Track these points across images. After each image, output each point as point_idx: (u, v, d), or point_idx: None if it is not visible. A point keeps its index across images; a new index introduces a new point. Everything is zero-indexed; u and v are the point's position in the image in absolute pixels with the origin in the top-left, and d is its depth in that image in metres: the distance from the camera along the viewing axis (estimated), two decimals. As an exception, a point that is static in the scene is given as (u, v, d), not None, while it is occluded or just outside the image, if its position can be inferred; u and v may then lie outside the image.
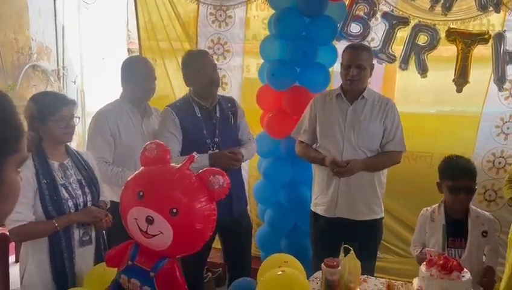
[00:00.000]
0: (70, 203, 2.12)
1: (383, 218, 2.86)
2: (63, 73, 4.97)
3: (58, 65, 4.93)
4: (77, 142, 5.04)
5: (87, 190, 2.22)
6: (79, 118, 2.25)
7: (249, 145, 2.90)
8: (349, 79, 2.70)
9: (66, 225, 2.10)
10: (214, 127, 2.76)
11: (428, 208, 2.47)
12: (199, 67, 2.73)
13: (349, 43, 3.47)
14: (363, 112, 2.73)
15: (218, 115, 2.80)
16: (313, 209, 2.92)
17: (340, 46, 3.45)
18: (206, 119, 2.77)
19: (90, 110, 4.99)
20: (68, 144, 2.29)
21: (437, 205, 2.42)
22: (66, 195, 2.12)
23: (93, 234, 2.24)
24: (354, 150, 2.71)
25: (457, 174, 2.33)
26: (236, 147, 2.81)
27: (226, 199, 2.71)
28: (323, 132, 2.82)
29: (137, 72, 2.78)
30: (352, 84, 2.70)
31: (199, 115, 2.76)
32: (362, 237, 2.61)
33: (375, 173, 2.76)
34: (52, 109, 2.11)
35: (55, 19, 4.84)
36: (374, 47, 3.43)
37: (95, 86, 5.35)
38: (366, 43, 3.41)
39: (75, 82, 5.15)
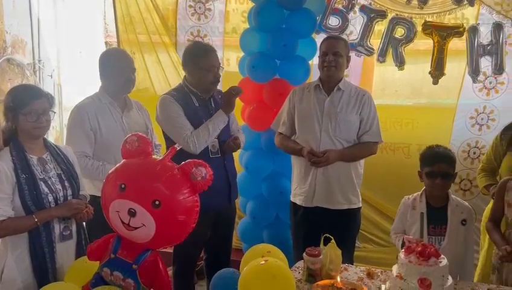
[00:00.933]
0: (50, 197, 2.10)
1: (360, 208, 2.93)
2: (39, 67, 4.87)
3: (34, 59, 4.83)
4: (55, 136, 4.96)
5: (67, 184, 2.19)
6: (55, 112, 2.21)
7: (241, 135, 2.99)
8: (326, 66, 2.77)
9: (46, 220, 2.07)
10: (211, 116, 2.78)
11: (410, 196, 2.52)
12: (208, 65, 2.74)
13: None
14: (340, 103, 2.80)
15: (213, 105, 2.85)
16: (292, 200, 2.98)
17: (320, 39, 3.46)
18: (204, 110, 2.81)
19: (67, 105, 4.91)
20: (46, 137, 2.26)
21: (419, 193, 2.48)
22: (46, 189, 2.09)
23: (74, 228, 2.21)
24: (331, 141, 2.77)
25: (434, 159, 2.40)
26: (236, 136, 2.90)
27: (225, 188, 2.84)
28: (301, 123, 2.87)
29: (116, 64, 2.75)
30: (329, 70, 2.77)
31: (197, 105, 2.79)
32: (340, 226, 2.68)
33: (352, 164, 2.83)
34: (22, 102, 2.07)
35: (30, 12, 4.73)
36: (352, 40, 3.48)
37: (72, 80, 5.26)
38: (344, 36, 3.46)
39: (51, 76, 5.05)
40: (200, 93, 2.81)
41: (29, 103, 2.07)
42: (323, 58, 2.79)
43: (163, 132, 2.85)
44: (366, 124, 2.81)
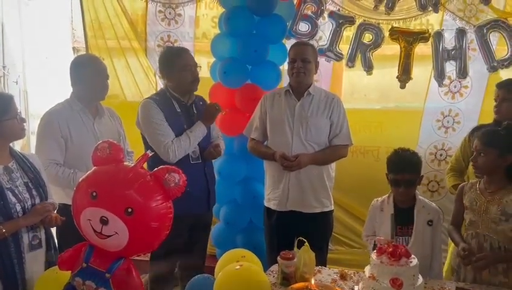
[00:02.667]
0: (18, 207, 2.05)
1: (333, 210, 2.97)
2: (4, 73, 4.74)
3: (-2, 64, 4.71)
4: (21, 144, 4.82)
5: (34, 192, 2.15)
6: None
7: (221, 141, 3.01)
8: (295, 72, 2.81)
9: (14, 230, 2.02)
10: (193, 123, 2.81)
11: (379, 198, 2.57)
12: (183, 64, 2.76)
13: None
14: (310, 107, 2.84)
15: (195, 111, 2.86)
16: (266, 205, 3.00)
17: (290, 44, 3.52)
18: (186, 115, 2.82)
19: (33, 112, 4.80)
20: (11, 145, 2.21)
21: (387, 195, 2.53)
22: (14, 199, 2.04)
23: (43, 237, 2.17)
24: (302, 145, 2.81)
25: (397, 168, 2.44)
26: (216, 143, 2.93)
27: (205, 194, 2.86)
28: (273, 128, 2.91)
29: (89, 71, 2.70)
30: (298, 76, 2.81)
31: (179, 110, 2.79)
32: (314, 229, 2.71)
33: (324, 167, 2.88)
34: (4, 108, 2.07)
35: (-7, 17, 4.62)
36: (321, 45, 3.53)
37: (38, 86, 5.14)
38: (314, 41, 3.51)
39: (17, 82, 4.92)
40: (181, 97, 2.81)
41: (11, 106, 2.05)
42: (292, 65, 2.83)
43: (142, 137, 2.83)
44: (336, 127, 2.86)
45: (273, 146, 2.89)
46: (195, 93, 2.90)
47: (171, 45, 3.83)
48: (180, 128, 2.75)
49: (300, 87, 2.86)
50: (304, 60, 2.79)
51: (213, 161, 3.02)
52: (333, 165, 2.96)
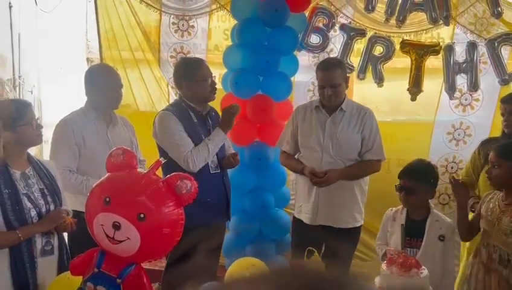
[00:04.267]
0: (33, 212, 2.08)
1: (361, 225, 2.93)
2: (19, 82, 4.82)
3: (14, 74, 4.78)
4: (35, 151, 4.89)
5: (49, 199, 2.18)
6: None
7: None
8: (326, 97, 2.78)
9: (30, 235, 2.05)
10: (209, 133, 2.81)
11: (393, 208, 2.57)
12: (204, 74, 2.78)
13: (310, 53, 3.60)
14: (341, 123, 2.81)
15: (210, 121, 2.87)
16: (297, 216, 2.97)
17: (301, 56, 3.57)
18: (202, 125, 2.83)
19: (47, 121, 4.86)
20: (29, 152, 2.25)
21: (401, 206, 2.53)
22: (29, 204, 2.07)
23: (55, 243, 2.19)
24: (332, 160, 2.79)
25: (401, 174, 2.49)
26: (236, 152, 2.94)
27: (224, 203, 2.87)
28: (304, 142, 2.90)
29: (103, 80, 2.76)
30: (330, 101, 2.79)
31: (195, 120, 2.81)
32: (342, 244, 2.65)
33: (356, 182, 2.84)
34: (21, 113, 2.11)
35: (11, 27, 4.71)
36: (333, 57, 3.55)
37: (52, 96, 5.22)
38: (325, 53, 3.54)
39: (32, 92, 5.01)
40: (197, 107, 2.83)
41: (26, 113, 2.09)
42: (322, 90, 2.78)
43: (159, 147, 2.84)
44: (368, 142, 2.82)
45: (304, 160, 2.88)
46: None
47: (184, 56, 3.88)
48: (199, 138, 2.76)
49: (332, 105, 2.82)
50: (333, 86, 2.74)
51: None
52: (366, 179, 2.91)
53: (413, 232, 2.42)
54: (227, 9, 3.63)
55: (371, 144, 2.82)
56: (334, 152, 2.79)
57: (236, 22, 3.45)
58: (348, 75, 3.52)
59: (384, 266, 1.90)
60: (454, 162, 3.61)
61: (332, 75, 2.76)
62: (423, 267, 1.89)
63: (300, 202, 2.94)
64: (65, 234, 2.33)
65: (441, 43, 3.43)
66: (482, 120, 3.51)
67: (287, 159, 2.99)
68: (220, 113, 2.98)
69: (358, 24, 3.52)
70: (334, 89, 2.75)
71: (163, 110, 2.86)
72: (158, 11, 3.84)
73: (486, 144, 2.84)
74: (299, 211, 2.94)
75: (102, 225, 1.71)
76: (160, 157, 1.87)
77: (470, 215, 2.60)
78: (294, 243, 3.03)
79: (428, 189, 2.48)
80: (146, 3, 3.76)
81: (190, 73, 2.79)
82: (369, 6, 3.42)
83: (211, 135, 2.77)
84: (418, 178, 2.45)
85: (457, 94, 3.49)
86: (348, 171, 2.79)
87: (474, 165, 2.88)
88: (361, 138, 2.81)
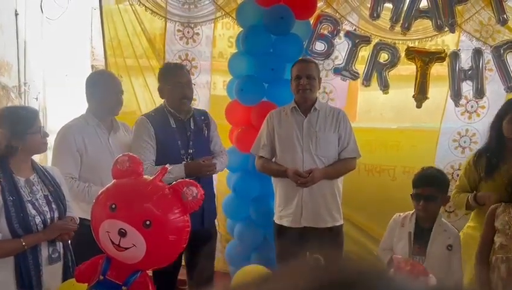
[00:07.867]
0: (37, 219, 2.07)
1: (342, 225, 2.98)
2: (25, 89, 4.84)
3: (19, 81, 4.80)
4: (39, 158, 4.89)
5: (54, 205, 2.17)
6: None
7: (221, 157, 2.98)
8: (301, 89, 2.85)
9: (34, 244, 2.04)
10: (188, 139, 2.82)
11: (402, 214, 2.55)
12: (174, 81, 2.80)
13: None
14: (318, 122, 2.89)
15: (192, 127, 2.87)
16: (277, 222, 2.98)
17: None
18: (181, 131, 2.82)
19: (52, 128, 4.87)
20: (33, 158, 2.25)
21: (411, 212, 2.51)
22: (33, 212, 2.07)
23: (61, 250, 2.18)
24: (313, 160, 2.85)
25: (419, 181, 2.45)
26: (209, 156, 2.88)
27: (199, 211, 2.76)
28: (283, 145, 2.93)
29: (103, 86, 2.77)
30: (304, 93, 2.86)
31: (174, 126, 2.81)
32: (326, 245, 2.69)
33: (334, 181, 2.91)
34: (29, 121, 2.12)
35: (17, 34, 4.73)
36: (337, 64, 3.56)
37: (57, 103, 5.23)
38: (330, 60, 3.54)
39: (37, 99, 5.02)
40: (177, 113, 2.84)
41: (35, 121, 2.11)
42: (298, 82, 2.87)
43: None
44: (344, 141, 2.90)
45: (283, 163, 2.91)
46: (199, 108, 2.94)
47: (189, 63, 3.90)
48: (173, 143, 2.77)
49: (306, 103, 2.90)
50: (308, 77, 2.84)
51: (223, 176, 2.99)
52: (341, 178, 2.99)
53: (420, 240, 2.40)
54: (232, 17, 3.64)
55: (346, 142, 2.90)
56: (314, 151, 2.85)
57: (241, 29, 3.47)
58: (350, 80, 3.55)
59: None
60: (460, 170, 3.58)
61: (308, 66, 2.90)
62: (431, 275, 1.87)
63: (281, 206, 2.94)
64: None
65: (446, 50, 3.43)
66: (488, 127, 3.48)
67: (266, 164, 3.00)
68: (208, 115, 3.01)
69: (363, 31, 3.52)
70: (309, 80, 2.83)
71: (142, 115, 2.90)
72: (163, 19, 3.85)
73: (481, 156, 2.81)
74: (280, 216, 2.95)
75: (108, 231, 1.70)
76: (166, 164, 1.86)
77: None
78: (280, 249, 3.01)
79: (445, 196, 2.47)
80: (151, 10, 3.78)
81: (164, 77, 2.85)
82: (374, 14, 3.42)
83: (174, 166, 2.57)
84: (438, 185, 2.44)
85: (462, 101, 3.47)
86: (331, 169, 2.86)
87: (470, 178, 2.83)
88: (338, 137, 2.89)
